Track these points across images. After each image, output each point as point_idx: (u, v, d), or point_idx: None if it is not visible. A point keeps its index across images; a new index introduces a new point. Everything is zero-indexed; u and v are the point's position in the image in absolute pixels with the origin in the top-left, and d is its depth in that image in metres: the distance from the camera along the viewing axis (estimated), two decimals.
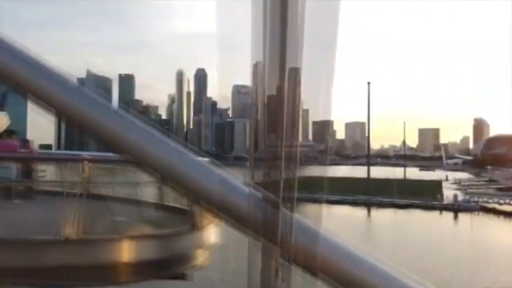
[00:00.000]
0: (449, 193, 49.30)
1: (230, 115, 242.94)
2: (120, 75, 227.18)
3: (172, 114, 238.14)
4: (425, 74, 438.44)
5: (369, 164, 65.00)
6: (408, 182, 62.73)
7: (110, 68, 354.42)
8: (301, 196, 1.50)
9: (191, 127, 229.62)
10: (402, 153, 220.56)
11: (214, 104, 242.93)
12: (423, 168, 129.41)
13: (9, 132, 9.99)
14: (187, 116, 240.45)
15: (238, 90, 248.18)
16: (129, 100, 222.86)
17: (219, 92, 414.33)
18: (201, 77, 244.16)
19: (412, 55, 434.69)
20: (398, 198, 43.05)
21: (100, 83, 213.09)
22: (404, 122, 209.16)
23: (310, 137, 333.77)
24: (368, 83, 65.33)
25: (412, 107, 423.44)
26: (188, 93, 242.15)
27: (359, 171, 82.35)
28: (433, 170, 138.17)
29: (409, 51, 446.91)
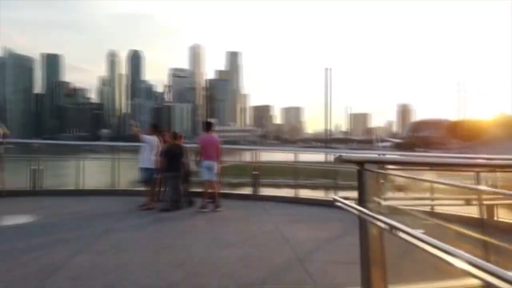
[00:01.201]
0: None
1: (168, 99, 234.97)
2: (43, 55, 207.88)
3: (104, 97, 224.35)
4: (355, 63, 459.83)
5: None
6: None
7: (35, 47, 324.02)
8: None
9: (128, 111, 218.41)
10: (337, 136, 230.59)
11: (150, 87, 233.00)
12: (355, 151, 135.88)
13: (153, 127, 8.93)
14: (122, 99, 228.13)
15: (175, 73, 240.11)
16: (54, 82, 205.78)
17: (155, 75, 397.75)
18: (135, 59, 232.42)
19: (349, 46, 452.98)
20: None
21: (20, 63, 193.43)
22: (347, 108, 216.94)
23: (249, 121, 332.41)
24: (327, 69, 65.54)
25: (345, 94, 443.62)
26: (120, 75, 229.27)
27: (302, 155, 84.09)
28: (366, 152, 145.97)
29: (348, 41, 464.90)
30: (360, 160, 2.98)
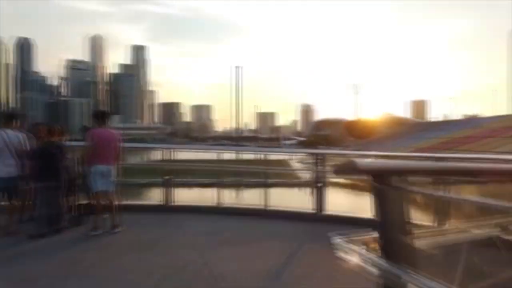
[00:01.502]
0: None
1: (64, 93, 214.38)
2: None
3: None
4: (262, 63, 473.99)
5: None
6: (268, 162, 65.26)
7: None
8: None
9: (17, 105, 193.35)
10: (245, 135, 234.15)
11: (42, 79, 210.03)
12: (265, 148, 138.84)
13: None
14: (10, 92, 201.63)
15: (73, 66, 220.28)
16: None
17: (49, 66, 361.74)
18: (25, 47, 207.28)
19: (257, 46, 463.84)
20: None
21: None
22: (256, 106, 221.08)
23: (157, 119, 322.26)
24: (238, 67, 64.45)
25: (253, 92, 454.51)
26: (7, 65, 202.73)
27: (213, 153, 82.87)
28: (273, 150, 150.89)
29: (256, 40, 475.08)
30: (384, 170, 1.48)
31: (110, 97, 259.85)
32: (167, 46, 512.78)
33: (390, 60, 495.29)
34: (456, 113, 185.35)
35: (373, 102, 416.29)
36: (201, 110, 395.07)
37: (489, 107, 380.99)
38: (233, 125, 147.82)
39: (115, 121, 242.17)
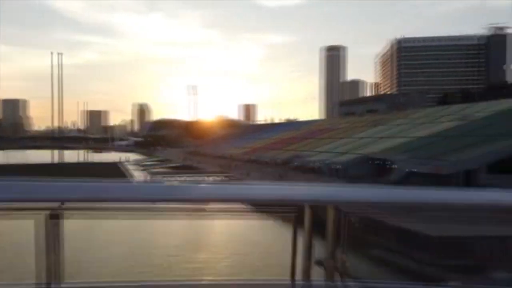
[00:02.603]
0: (139, 174, 49.71)
1: None
2: None
3: None
4: (88, 59, 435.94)
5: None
6: (91, 165, 58.59)
7: None
8: None
9: None
10: (72, 134, 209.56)
11: None
12: (96, 149, 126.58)
13: None
14: None
15: None
16: None
17: None
18: None
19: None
20: None
21: None
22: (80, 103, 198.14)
23: None
24: (59, 53, 55.24)
25: (83, 89, 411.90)
26: None
27: (27, 156, 70.17)
28: (106, 152, 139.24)
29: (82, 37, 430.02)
30: None
31: None
32: None
33: (224, 65, 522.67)
34: (279, 117, 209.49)
35: (208, 104, 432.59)
36: (12, 106, 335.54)
37: (306, 111, 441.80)
38: (57, 124, 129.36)
39: None
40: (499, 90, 69.49)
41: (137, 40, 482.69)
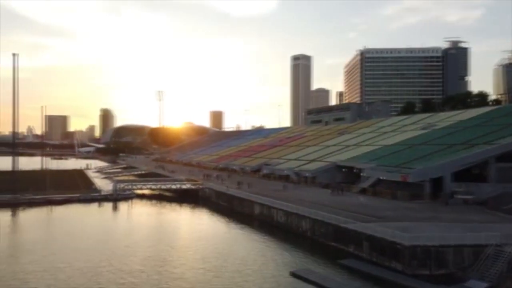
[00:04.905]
0: (102, 182, 47.49)
1: None
2: None
3: None
4: (52, 61, 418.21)
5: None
6: (58, 173, 55.21)
7: None
8: None
9: None
10: (28, 140, 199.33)
11: None
12: (56, 156, 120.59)
13: None
14: None
15: None
16: None
17: None
18: None
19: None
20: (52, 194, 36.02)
21: None
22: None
23: None
24: (14, 54, 51.96)
25: (42, 93, 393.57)
26: None
27: None
28: (66, 158, 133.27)
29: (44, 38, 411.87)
30: None
31: None
32: None
33: (192, 71, 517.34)
34: (246, 124, 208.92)
35: (175, 110, 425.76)
36: None
37: (274, 119, 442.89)
38: (13, 129, 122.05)
39: None
40: (456, 100, 72.69)
41: (101, 43, 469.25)
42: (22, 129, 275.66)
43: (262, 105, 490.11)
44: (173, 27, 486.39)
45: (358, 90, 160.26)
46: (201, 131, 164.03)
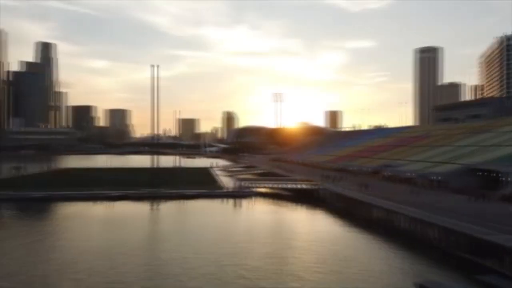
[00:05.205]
0: (225, 179, 51.14)
1: None
2: None
3: None
4: (185, 68, 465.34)
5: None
6: (188, 170, 61.50)
7: None
8: None
9: None
10: (165, 141, 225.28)
11: None
12: (186, 155, 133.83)
13: None
14: None
15: None
16: None
17: None
18: None
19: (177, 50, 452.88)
20: (185, 189, 40.56)
21: None
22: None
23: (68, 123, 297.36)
24: (153, 65, 59.76)
25: (173, 98, 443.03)
26: None
27: (129, 160, 76.38)
28: (194, 157, 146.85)
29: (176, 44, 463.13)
30: None
31: (9, 97, 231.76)
32: (79, 46, 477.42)
33: (307, 72, 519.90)
34: (366, 123, 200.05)
35: (291, 111, 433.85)
36: (117, 115, 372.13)
37: (393, 118, 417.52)
38: (153, 131, 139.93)
39: (15, 125, 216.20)
40: None
41: (224, 52, 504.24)
42: (159, 131, 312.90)
43: (382, 103, 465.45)
44: (291, 29, 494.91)
45: (498, 83, 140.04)
46: (318, 131, 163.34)
